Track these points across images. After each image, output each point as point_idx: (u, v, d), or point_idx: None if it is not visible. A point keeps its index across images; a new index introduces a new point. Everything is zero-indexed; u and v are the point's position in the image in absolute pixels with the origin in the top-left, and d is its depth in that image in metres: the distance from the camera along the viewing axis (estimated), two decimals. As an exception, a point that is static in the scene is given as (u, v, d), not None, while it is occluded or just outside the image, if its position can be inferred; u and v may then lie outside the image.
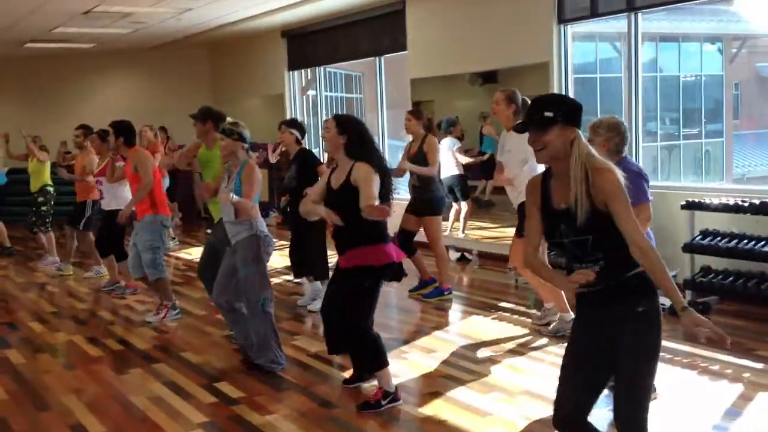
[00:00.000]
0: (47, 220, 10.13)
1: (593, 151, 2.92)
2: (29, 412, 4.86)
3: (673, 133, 13.72)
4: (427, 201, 7.25)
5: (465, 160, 9.34)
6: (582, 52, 8.58)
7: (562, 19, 8.21)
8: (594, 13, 7.96)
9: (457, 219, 9.65)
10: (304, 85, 13.41)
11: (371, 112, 12.52)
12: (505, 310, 6.89)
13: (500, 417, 4.45)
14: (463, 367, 5.37)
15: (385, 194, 4.54)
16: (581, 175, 2.83)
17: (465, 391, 4.91)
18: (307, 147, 7.22)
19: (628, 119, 7.68)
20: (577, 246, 2.91)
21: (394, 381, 4.78)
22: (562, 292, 5.67)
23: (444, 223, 8.14)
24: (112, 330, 6.81)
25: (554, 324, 6.01)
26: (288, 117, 12.22)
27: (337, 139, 4.56)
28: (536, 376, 5.06)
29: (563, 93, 8.23)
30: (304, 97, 13.40)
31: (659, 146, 8.54)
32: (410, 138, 7.43)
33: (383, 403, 4.63)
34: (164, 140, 12.11)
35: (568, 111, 2.89)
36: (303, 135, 7.06)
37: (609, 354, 2.93)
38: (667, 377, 4.87)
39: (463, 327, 6.54)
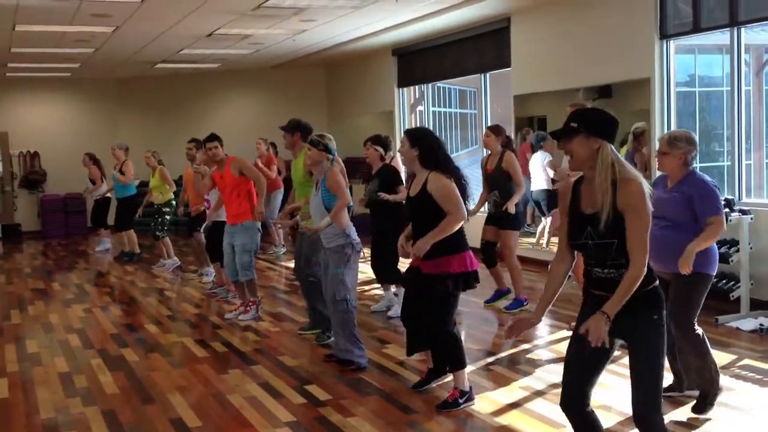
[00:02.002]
0: (165, 227, 10.87)
1: (623, 161, 3.14)
2: (136, 405, 5.30)
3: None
4: (508, 215, 7.40)
5: (552, 174, 9.37)
6: (681, 65, 8.44)
7: (664, 35, 8.14)
8: (696, 28, 7.86)
9: (542, 234, 9.73)
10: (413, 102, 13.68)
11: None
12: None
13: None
14: (544, 380, 5.46)
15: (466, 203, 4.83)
16: (607, 184, 3.07)
17: (543, 403, 5.01)
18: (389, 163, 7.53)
19: (732, 134, 7.55)
20: (601, 249, 3.12)
21: (474, 390, 4.99)
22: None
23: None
24: (218, 333, 7.26)
25: None
26: (399, 133, 12.55)
27: (411, 152, 4.88)
28: (616, 392, 5.08)
29: (665, 108, 8.16)
30: (413, 113, 13.67)
31: (766, 162, 8.25)
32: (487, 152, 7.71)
33: (460, 402, 4.87)
34: (274, 157, 12.48)
35: (591, 124, 3.14)
36: (386, 151, 7.37)
37: (608, 350, 3.20)
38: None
39: (550, 341, 6.61)
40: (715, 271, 4.63)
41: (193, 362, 6.33)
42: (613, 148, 3.13)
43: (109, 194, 12.70)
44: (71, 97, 16.55)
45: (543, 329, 7.10)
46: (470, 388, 4.98)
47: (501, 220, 7.47)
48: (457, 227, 4.78)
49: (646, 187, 3.08)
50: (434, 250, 4.77)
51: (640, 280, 3.06)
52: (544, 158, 9.38)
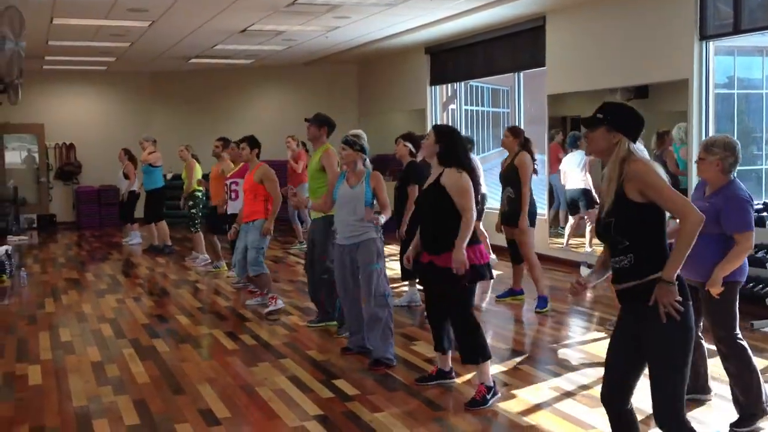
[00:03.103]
0: (196, 221, 10.92)
1: (637, 153, 3.23)
2: (166, 395, 5.34)
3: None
4: (519, 213, 7.46)
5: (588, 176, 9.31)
6: (720, 66, 8.33)
7: (704, 36, 8.03)
8: (737, 30, 7.73)
9: (574, 234, 9.67)
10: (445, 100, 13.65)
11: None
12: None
13: (602, 431, 4.50)
14: (575, 381, 5.42)
15: (479, 201, 4.93)
16: (614, 175, 3.20)
17: (572, 404, 4.98)
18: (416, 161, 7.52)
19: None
20: (605, 229, 3.22)
21: (502, 389, 5.00)
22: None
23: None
24: (248, 326, 7.29)
25: None
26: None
27: (434, 147, 4.98)
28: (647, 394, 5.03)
29: (703, 110, 8.06)
30: (445, 111, 13.64)
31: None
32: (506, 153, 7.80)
33: (488, 398, 4.89)
34: (304, 153, 12.47)
35: (616, 118, 3.25)
36: (417, 149, 7.36)
37: (638, 346, 3.22)
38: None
39: (582, 342, 6.56)
40: (745, 277, 4.50)
41: (222, 354, 6.37)
42: (633, 146, 3.23)
43: (137, 189, 12.78)
44: (107, 91, 16.74)
45: (573, 329, 7.06)
46: (494, 382, 5.01)
47: (515, 219, 7.53)
48: (473, 223, 4.87)
49: (656, 166, 3.18)
50: (446, 245, 4.84)
51: (696, 233, 3.08)
52: (581, 158, 9.30)
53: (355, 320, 6.08)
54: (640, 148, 3.47)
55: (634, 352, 3.25)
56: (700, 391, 4.81)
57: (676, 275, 3.08)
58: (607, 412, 3.40)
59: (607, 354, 3.41)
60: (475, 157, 9.76)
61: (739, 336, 4.44)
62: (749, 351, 4.46)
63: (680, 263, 3.08)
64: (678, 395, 3.16)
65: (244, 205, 7.89)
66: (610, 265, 3.35)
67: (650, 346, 3.18)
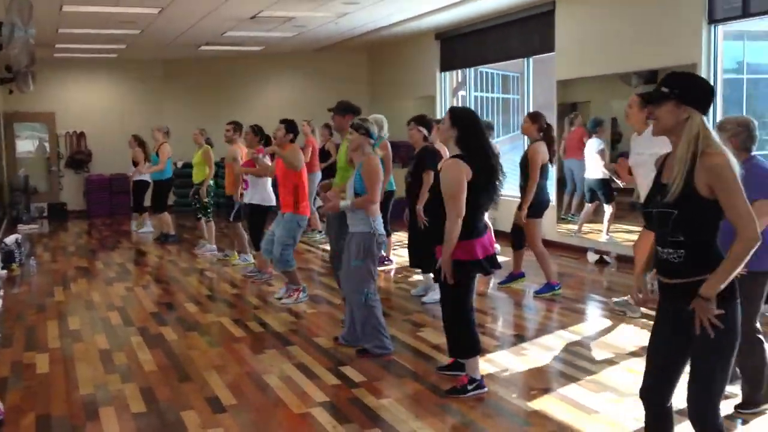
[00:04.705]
0: (208, 210, 10.86)
1: (714, 136, 2.94)
2: (173, 383, 5.37)
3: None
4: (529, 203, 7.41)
5: (602, 163, 9.22)
6: (730, 51, 8.25)
7: (713, 19, 7.96)
8: (746, 13, 7.67)
9: (588, 220, 9.60)
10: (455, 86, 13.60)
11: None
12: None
13: (607, 416, 4.50)
14: (580, 367, 5.42)
15: (486, 191, 4.70)
16: (687, 156, 2.90)
17: (577, 389, 4.97)
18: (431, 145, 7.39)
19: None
20: (661, 219, 2.98)
21: (507, 374, 4.96)
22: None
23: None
24: (256, 314, 7.31)
25: None
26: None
27: (450, 131, 4.74)
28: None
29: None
30: (455, 98, 13.59)
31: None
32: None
33: (469, 388, 4.85)
34: (327, 137, 12.41)
35: (685, 90, 2.95)
36: (430, 132, 7.30)
37: (683, 342, 3.06)
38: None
39: (589, 328, 6.54)
40: None
41: (230, 341, 6.39)
42: (704, 119, 2.94)
43: (147, 177, 12.69)
44: (117, 78, 16.77)
45: (579, 315, 7.04)
46: (482, 377, 4.95)
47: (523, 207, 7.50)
48: (458, 227, 4.59)
49: (733, 162, 2.88)
50: (442, 238, 4.69)
51: (749, 253, 2.85)
52: (598, 145, 9.23)
53: (350, 313, 6.00)
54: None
55: (676, 347, 3.09)
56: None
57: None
58: (646, 409, 3.23)
59: (649, 348, 3.24)
60: (494, 143, 9.75)
61: (759, 330, 4.39)
62: (765, 345, 4.42)
63: (724, 282, 2.87)
64: (717, 398, 3.01)
65: (280, 194, 7.68)
66: (644, 267, 3.20)
67: (697, 346, 3.01)
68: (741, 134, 4.31)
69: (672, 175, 2.93)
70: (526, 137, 7.78)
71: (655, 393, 3.18)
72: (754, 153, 4.42)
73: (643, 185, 5.80)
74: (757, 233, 2.85)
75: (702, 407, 3.03)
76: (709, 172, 2.85)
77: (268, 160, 8.35)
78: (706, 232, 2.95)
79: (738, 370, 4.48)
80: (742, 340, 4.27)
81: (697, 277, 2.94)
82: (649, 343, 3.24)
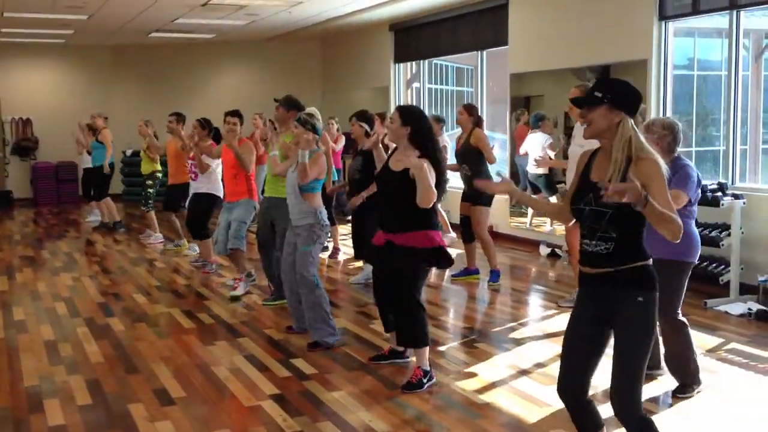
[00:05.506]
0: (150, 201, 10.75)
1: (641, 138, 3.05)
2: (120, 375, 5.27)
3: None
4: (478, 192, 7.37)
5: (553, 155, 9.30)
6: (680, 48, 8.39)
7: (664, 16, 8.07)
8: (696, 10, 7.80)
9: (536, 214, 9.72)
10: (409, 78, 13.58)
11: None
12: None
13: (558, 408, 4.50)
14: (529, 358, 5.46)
15: (439, 185, 4.74)
16: (622, 158, 3.01)
17: (528, 381, 5.01)
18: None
19: (728, 118, 7.52)
20: (595, 216, 3.06)
21: (459, 367, 4.99)
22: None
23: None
24: (206, 305, 7.23)
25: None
26: (392, 109, 12.45)
27: (402, 129, 4.81)
28: (605, 373, 5.08)
29: (661, 90, 8.13)
30: (409, 89, 13.59)
31: (761, 148, 8.21)
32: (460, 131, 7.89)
33: (425, 382, 4.86)
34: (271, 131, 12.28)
35: (617, 95, 3.05)
36: (372, 128, 7.31)
37: (602, 331, 3.17)
38: (742, 381, 4.83)
39: (540, 321, 6.60)
40: (697, 258, 4.61)
41: (179, 333, 6.30)
42: (633, 123, 3.05)
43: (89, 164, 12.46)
44: (65, 64, 16.40)
45: (530, 308, 7.11)
46: (431, 366, 4.98)
47: (473, 197, 7.61)
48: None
49: (663, 166, 3.01)
50: (406, 224, 4.78)
51: (674, 232, 2.92)
52: (545, 140, 9.30)
53: (297, 303, 5.99)
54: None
55: (596, 338, 3.17)
56: (654, 367, 4.88)
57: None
58: (567, 404, 3.28)
59: (566, 342, 3.27)
60: (446, 136, 9.79)
61: (681, 316, 4.60)
62: (689, 332, 4.63)
63: (654, 207, 2.83)
64: (639, 379, 3.09)
65: (225, 183, 7.68)
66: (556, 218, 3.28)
67: (620, 331, 3.09)
68: (666, 137, 4.51)
69: (606, 177, 3.02)
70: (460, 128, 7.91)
71: (575, 389, 3.23)
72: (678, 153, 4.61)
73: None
74: (680, 222, 2.95)
75: (624, 393, 3.09)
76: (645, 176, 2.95)
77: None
78: (636, 228, 3.06)
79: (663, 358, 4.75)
80: (668, 328, 4.46)
81: (622, 266, 3.05)
82: (565, 339, 3.28)
